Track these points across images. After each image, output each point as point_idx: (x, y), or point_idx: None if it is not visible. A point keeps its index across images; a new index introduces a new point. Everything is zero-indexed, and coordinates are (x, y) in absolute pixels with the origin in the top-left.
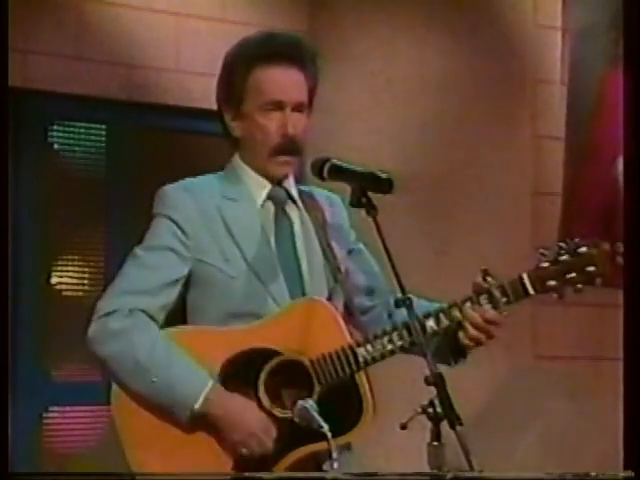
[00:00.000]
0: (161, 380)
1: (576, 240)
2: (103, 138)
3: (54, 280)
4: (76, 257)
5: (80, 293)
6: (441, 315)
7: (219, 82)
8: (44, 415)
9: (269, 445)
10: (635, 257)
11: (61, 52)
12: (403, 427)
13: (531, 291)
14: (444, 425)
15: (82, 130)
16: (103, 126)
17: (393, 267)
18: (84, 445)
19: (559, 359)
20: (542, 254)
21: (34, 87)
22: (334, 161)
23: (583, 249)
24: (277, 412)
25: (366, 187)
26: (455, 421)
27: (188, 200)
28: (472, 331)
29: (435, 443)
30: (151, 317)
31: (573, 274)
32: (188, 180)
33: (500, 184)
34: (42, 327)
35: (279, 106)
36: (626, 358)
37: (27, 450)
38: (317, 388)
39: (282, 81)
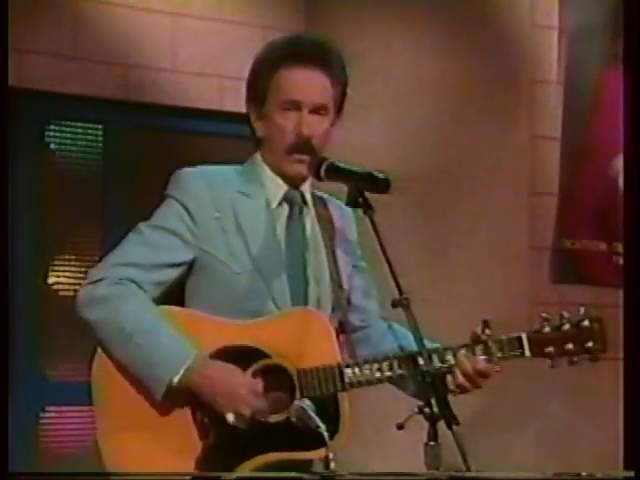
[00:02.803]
0: (143, 347)
1: (581, 311)
2: (100, 138)
3: (51, 280)
4: (73, 257)
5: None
6: (434, 356)
7: (247, 83)
8: (41, 415)
9: (259, 403)
10: (635, 257)
11: (58, 52)
12: (400, 427)
13: (527, 353)
14: (441, 425)
15: (79, 130)
16: (100, 126)
17: (390, 267)
18: (81, 445)
19: None
20: (545, 319)
21: (31, 87)
22: (331, 161)
23: (585, 323)
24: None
25: (363, 187)
26: (452, 421)
27: (203, 188)
28: (460, 379)
29: (432, 443)
30: (141, 287)
31: (571, 345)
32: (207, 167)
33: (497, 184)
34: (39, 327)
35: (296, 106)
36: (626, 358)
37: (24, 450)
38: (298, 399)
39: (303, 82)
